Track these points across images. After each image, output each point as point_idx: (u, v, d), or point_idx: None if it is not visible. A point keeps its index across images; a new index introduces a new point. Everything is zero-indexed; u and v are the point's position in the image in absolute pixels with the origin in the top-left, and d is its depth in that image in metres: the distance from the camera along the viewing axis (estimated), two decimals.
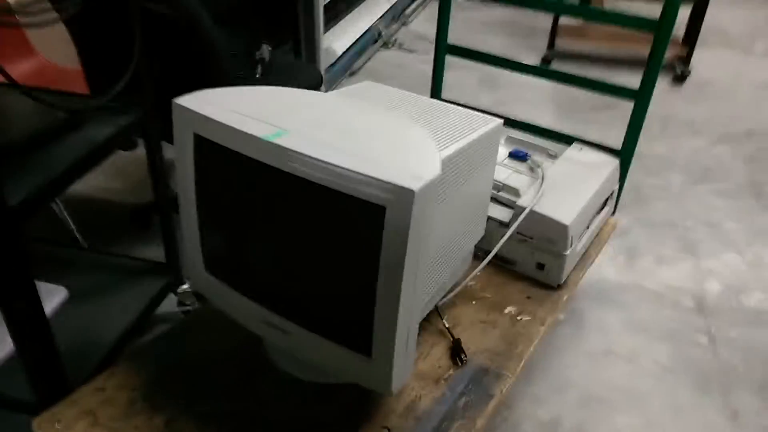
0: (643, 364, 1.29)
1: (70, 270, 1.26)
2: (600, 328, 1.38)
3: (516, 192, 1.12)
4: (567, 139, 1.33)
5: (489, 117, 0.92)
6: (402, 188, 0.61)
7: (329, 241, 0.72)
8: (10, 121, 0.90)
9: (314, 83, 1.52)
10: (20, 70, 1.49)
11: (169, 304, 1.32)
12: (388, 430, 0.82)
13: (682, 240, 1.72)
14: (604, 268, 1.57)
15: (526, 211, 1.05)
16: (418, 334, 0.97)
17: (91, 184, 1.79)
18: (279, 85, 1.45)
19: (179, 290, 1.30)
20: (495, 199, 1.13)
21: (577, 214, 1.06)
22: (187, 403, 0.84)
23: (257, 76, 1.36)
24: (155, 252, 1.34)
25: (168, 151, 1.11)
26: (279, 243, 0.77)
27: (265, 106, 0.77)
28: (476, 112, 0.93)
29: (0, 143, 0.86)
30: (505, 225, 1.09)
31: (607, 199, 1.25)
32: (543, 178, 1.14)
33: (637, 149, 1.29)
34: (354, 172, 0.63)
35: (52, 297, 1.16)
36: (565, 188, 1.14)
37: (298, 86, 1.46)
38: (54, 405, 0.83)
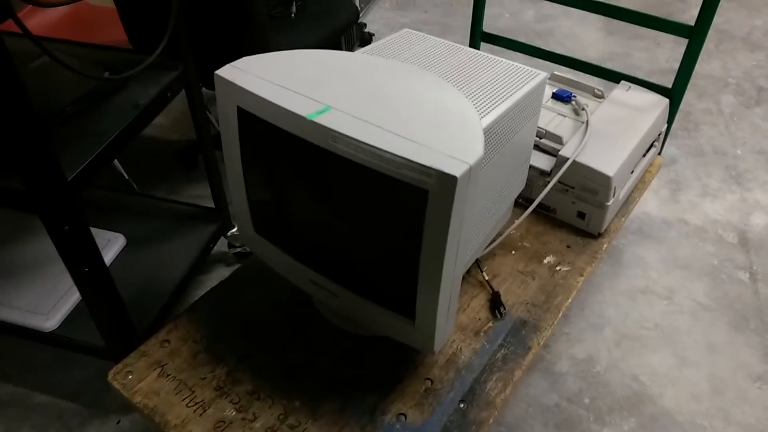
0: (679, 302, 1.31)
1: (124, 216, 1.33)
2: (638, 265, 1.39)
3: (559, 140, 1.10)
4: (614, 76, 1.27)
5: (533, 71, 0.89)
6: (444, 174, 0.62)
7: (373, 216, 0.74)
8: (55, 86, 0.92)
9: (351, 19, 1.47)
10: (56, 13, 1.49)
11: (221, 244, 1.38)
12: (431, 381, 0.87)
13: (731, 170, 1.67)
14: (647, 202, 1.56)
15: (569, 161, 1.04)
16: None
17: None
18: (314, 22, 1.43)
19: (229, 234, 1.35)
20: (537, 147, 1.12)
21: (622, 163, 1.05)
22: (245, 354, 0.91)
23: (291, 15, 1.33)
24: (204, 190, 1.38)
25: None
26: (325, 213, 0.80)
27: (304, 75, 0.77)
28: (519, 65, 0.90)
29: (48, 111, 0.88)
30: (547, 174, 1.08)
31: (654, 141, 1.22)
32: (587, 124, 1.11)
33: None
34: (397, 156, 0.64)
35: (112, 245, 1.24)
36: (610, 134, 1.11)
37: (335, 23, 1.43)
38: (125, 356, 0.91)
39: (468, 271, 1.03)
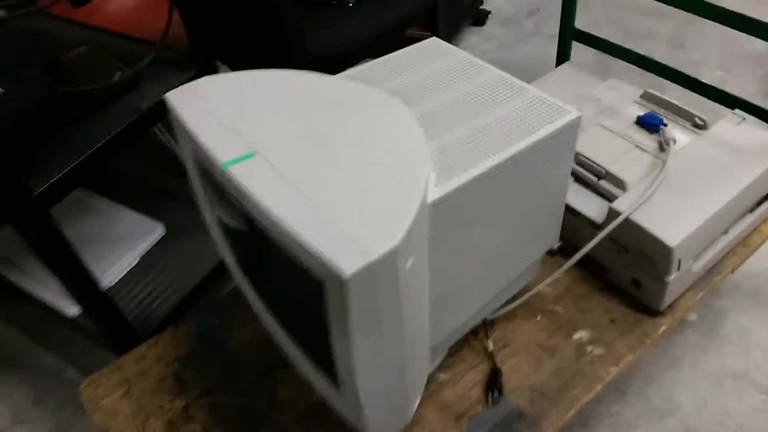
0: None
1: (170, 202, 1.33)
2: (740, 341, 1.09)
3: (621, 184, 0.87)
4: (731, 101, 0.98)
5: (562, 108, 0.69)
6: (334, 273, 0.48)
7: (292, 280, 0.62)
8: (75, 80, 0.91)
9: (424, 5, 1.29)
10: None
11: None
12: None
13: None
14: None
15: (621, 218, 0.81)
16: (457, 351, 0.85)
17: None
18: (377, 10, 1.27)
19: None
20: (593, 188, 0.90)
21: (695, 230, 0.79)
22: (208, 390, 0.85)
23: (349, 3, 1.19)
24: None
25: None
26: (259, 262, 0.70)
27: (252, 107, 0.66)
28: (547, 99, 0.70)
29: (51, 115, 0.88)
30: (597, 226, 0.86)
31: None
32: (663, 168, 0.86)
33: None
34: (294, 233, 0.51)
35: (148, 234, 1.25)
36: (695, 184, 0.85)
37: (401, 10, 1.26)
38: (101, 368, 0.90)
39: (474, 332, 0.86)
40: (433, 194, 0.58)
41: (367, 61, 0.79)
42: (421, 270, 0.60)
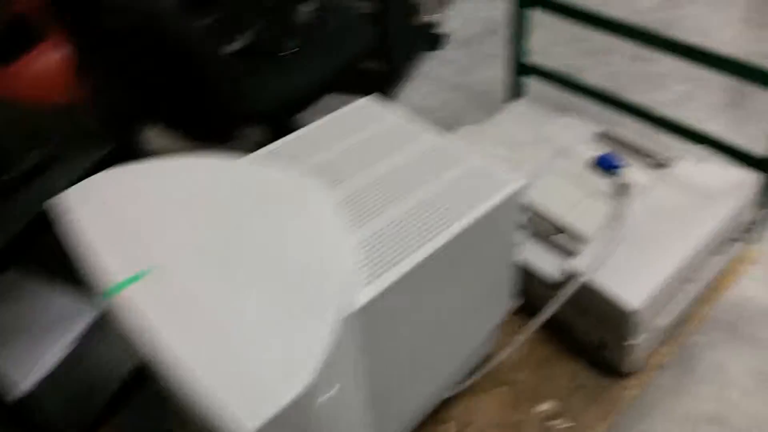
0: None
1: None
2: (715, 379, 1.04)
3: (579, 237, 0.81)
4: (697, 138, 0.92)
5: (506, 178, 0.62)
6: None
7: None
8: None
9: (364, 45, 1.22)
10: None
11: None
12: None
13: None
14: (750, 286, 1.17)
15: (577, 283, 0.75)
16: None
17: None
18: (324, 57, 1.19)
19: None
20: (550, 242, 0.84)
21: (659, 288, 0.73)
22: None
23: (291, 52, 1.10)
24: None
25: None
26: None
27: (153, 213, 0.57)
28: (489, 169, 0.64)
29: None
30: (555, 287, 0.80)
31: (738, 234, 0.87)
32: (621, 218, 0.80)
33: None
34: (183, 386, 0.44)
35: (78, 319, 1.13)
36: (656, 233, 0.79)
37: (345, 55, 1.19)
38: None
39: (436, 412, 0.79)
40: (363, 296, 0.51)
41: (329, 97, 0.71)
42: (350, 386, 0.53)
